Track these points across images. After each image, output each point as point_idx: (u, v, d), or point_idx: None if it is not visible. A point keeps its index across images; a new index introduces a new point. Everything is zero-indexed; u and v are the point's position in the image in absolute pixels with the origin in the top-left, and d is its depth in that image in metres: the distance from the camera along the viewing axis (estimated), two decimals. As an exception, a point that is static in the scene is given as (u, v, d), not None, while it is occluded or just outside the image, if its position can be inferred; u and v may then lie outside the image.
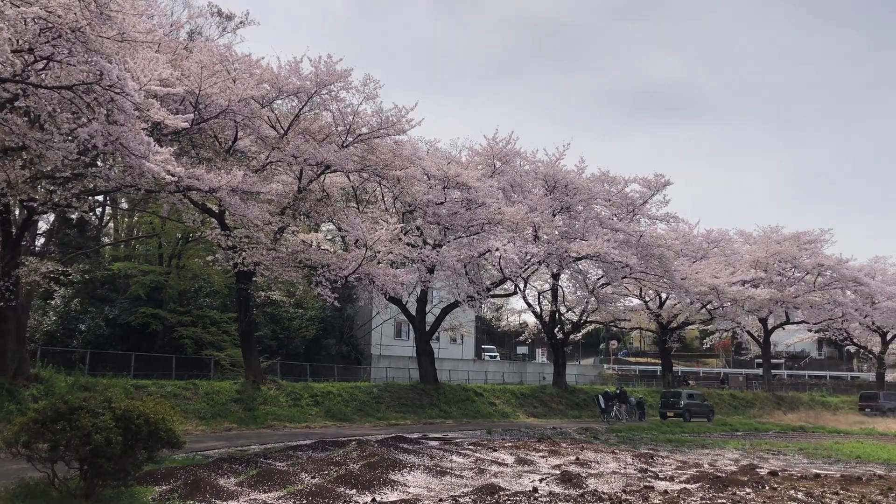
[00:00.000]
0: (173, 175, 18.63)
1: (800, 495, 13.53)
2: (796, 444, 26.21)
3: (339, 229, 28.20)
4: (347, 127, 26.77)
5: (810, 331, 55.86)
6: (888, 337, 51.37)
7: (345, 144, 26.68)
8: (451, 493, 12.97)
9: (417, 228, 31.37)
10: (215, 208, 25.96)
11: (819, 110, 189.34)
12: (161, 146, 19.00)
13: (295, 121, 26.24)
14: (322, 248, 27.05)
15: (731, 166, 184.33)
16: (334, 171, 27.25)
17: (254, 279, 28.15)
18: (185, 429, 21.24)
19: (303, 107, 26.16)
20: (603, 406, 36.84)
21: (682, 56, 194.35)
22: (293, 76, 25.37)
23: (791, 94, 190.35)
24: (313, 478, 13.80)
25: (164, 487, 12.10)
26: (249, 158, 27.03)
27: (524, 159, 37.64)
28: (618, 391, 39.74)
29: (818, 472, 18.12)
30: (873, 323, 49.42)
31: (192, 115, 21.62)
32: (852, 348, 59.11)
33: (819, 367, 72.40)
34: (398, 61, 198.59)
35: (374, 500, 12.18)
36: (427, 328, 35.52)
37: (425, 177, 30.11)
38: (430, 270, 30.70)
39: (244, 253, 24.93)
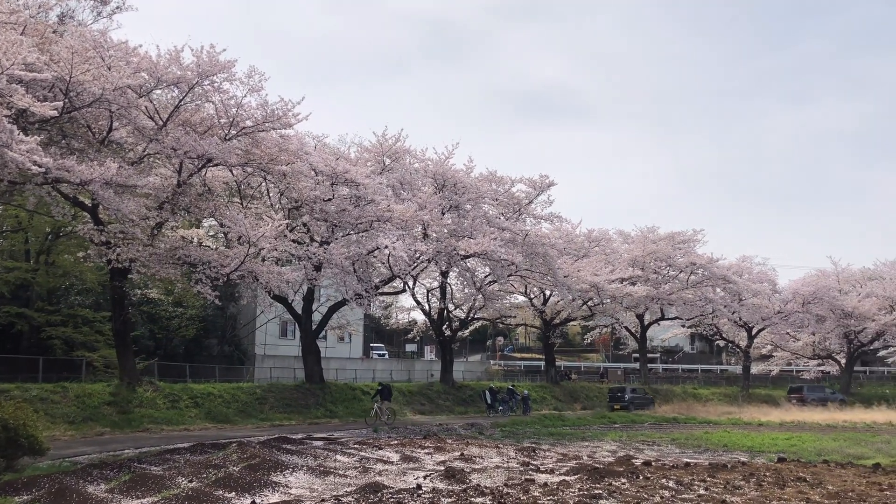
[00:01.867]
0: (40, 166, 17.58)
1: (671, 483, 14.16)
2: (669, 435, 27.45)
3: (222, 225, 27.35)
4: (231, 119, 25.97)
5: (683, 326, 58.72)
6: (753, 332, 54.59)
7: (228, 137, 25.88)
8: (335, 493, 12.82)
9: (304, 225, 30.85)
10: (88, 202, 24.64)
11: (693, 115, 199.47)
12: (27, 135, 17.86)
13: (175, 112, 25.23)
14: (204, 244, 26.17)
15: (612, 167, 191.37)
16: (217, 164, 26.37)
17: (129, 276, 26.93)
18: (52, 434, 20.11)
19: (183, 97, 25.18)
20: (489, 402, 37.45)
21: (566, 59, 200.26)
22: (173, 65, 24.41)
23: (667, 98, 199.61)
24: (190, 482, 13.32)
25: (26, 497, 11.38)
26: (126, 150, 25.80)
27: (414, 157, 37.72)
28: (509, 387, 40.99)
29: (688, 460, 19.05)
30: (740, 319, 52.38)
31: (62, 102, 20.43)
32: (722, 343, 62.49)
33: (691, 360, 76.15)
34: (285, 54, 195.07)
35: (253, 502, 11.88)
36: (314, 327, 35.03)
37: (313, 172, 29.63)
38: (317, 268, 30.27)
39: (119, 249, 23.80)
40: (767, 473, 15.95)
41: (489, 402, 37.40)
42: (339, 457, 17.73)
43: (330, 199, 29.96)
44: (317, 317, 35.29)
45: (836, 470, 17.28)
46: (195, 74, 24.49)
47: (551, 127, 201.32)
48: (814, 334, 56.07)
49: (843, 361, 57.53)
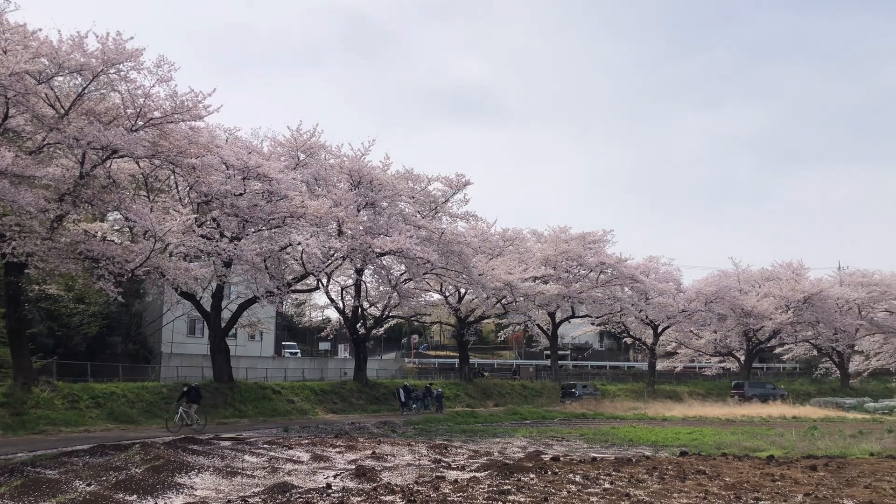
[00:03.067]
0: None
1: (577, 478, 14.48)
2: (578, 431, 28.08)
3: (127, 219, 26.33)
4: (138, 110, 25.07)
5: (593, 324, 60.17)
6: (659, 330, 56.42)
7: (134, 128, 24.95)
8: (241, 494, 12.55)
9: (214, 220, 30.04)
10: (-20, 192, 23.31)
11: (606, 117, 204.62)
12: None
13: (78, 100, 24.16)
14: (108, 238, 25.16)
15: (528, 168, 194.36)
16: (122, 156, 25.41)
17: (26, 271, 25.62)
18: (-63, 438, 18.96)
19: (87, 86, 24.16)
20: (403, 400, 37.46)
21: (484, 58, 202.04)
22: (76, 52, 23.37)
23: (582, 100, 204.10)
24: (89, 485, 12.79)
25: None
26: (23, 139, 24.58)
27: (329, 153, 37.35)
28: (427, 385, 41.45)
29: (595, 455, 19.52)
30: (647, 317, 54.08)
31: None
32: (629, 340, 64.36)
33: (600, 357, 78.16)
34: (197, 45, 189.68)
35: (155, 505, 11.50)
36: (223, 325, 34.20)
37: (224, 166, 28.91)
38: (227, 264, 29.56)
39: (14, 242, 22.64)
40: (670, 467, 16.51)
41: (403, 400, 37.38)
42: (247, 457, 17.39)
43: (241, 194, 29.28)
44: (226, 314, 34.46)
45: (733, 462, 18.04)
46: (100, 62, 23.55)
47: (468, 126, 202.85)
48: (715, 332, 58.38)
49: (742, 358, 60.11)
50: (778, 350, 66.27)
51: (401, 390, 38.03)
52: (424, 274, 38.98)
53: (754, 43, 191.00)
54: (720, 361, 64.48)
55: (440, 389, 40.83)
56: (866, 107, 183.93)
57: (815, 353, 64.29)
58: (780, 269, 60.93)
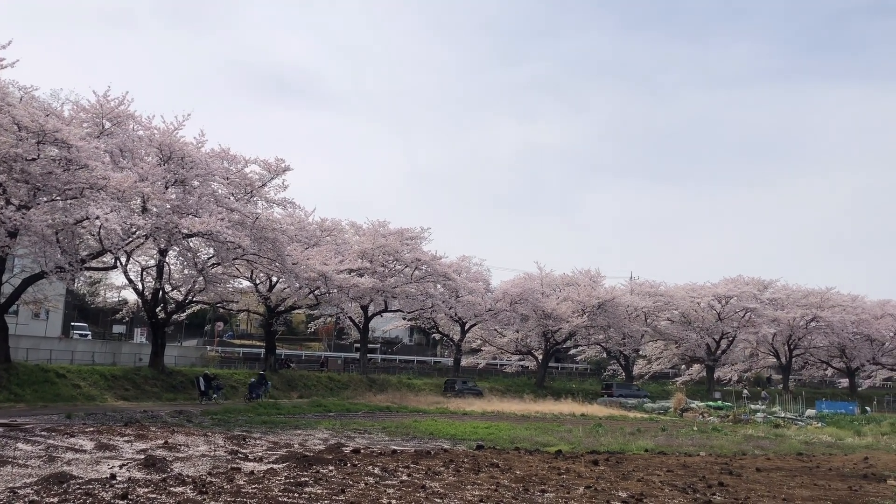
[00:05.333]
0: None
1: (376, 470, 14.58)
2: (381, 424, 28.30)
3: None
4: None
5: (404, 319, 61.02)
6: (466, 327, 58.24)
7: None
8: (11, 486, 11.47)
9: (0, 185, 27.27)
10: None
11: (431, 117, 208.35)
12: None
13: None
14: None
15: (350, 159, 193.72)
16: None
17: None
18: None
19: None
20: (202, 388, 36.03)
21: (312, 42, 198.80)
22: None
23: (409, 97, 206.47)
24: None
25: None
26: None
27: (138, 123, 35.08)
28: (260, 373, 41.10)
29: (396, 448, 19.76)
30: (456, 314, 55.63)
31: None
32: (438, 336, 65.95)
33: (409, 352, 79.44)
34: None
35: None
36: (2, 300, 31.11)
37: (15, 127, 26.32)
38: (12, 234, 26.94)
39: None
40: (466, 460, 17.05)
41: (203, 389, 35.93)
42: (21, 444, 15.96)
43: (34, 159, 26.78)
44: (7, 289, 31.39)
45: (525, 456, 18.97)
46: None
47: (291, 110, 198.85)
48: (518, 332, 61.17)
49: (540, 357, 63.42)
50: (573, 351, 70.71)
51: (200, 379, 36.52)
52: (234, 259, 37.64)
53: (571, 59, 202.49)
54: (520, 360, 67.75)
55: (254, 379, 39.88)
56: (667, 129, 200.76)
57: (604, 355, 69.25)
58: (579, 275, 64.86)
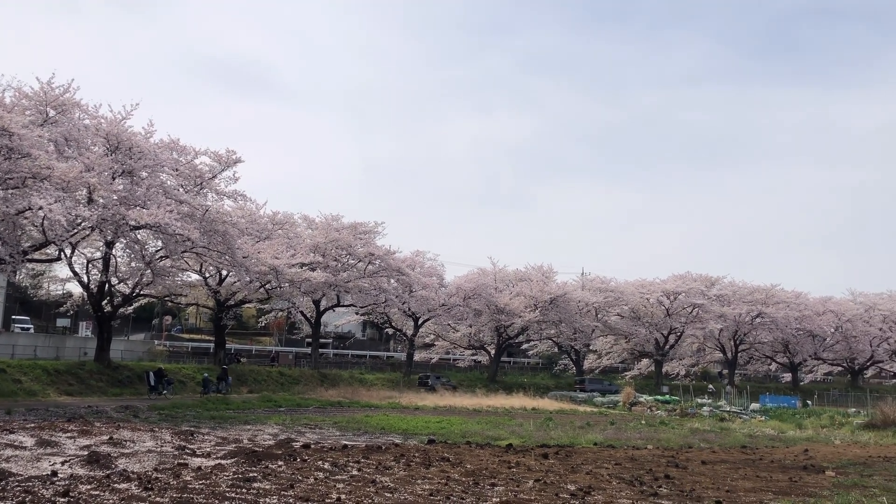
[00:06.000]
0: None
1: (326, 465, 14.48)
2: (332, 419, 28.14)
3: None
4: None
5: (357, 313, 60.73)
6: (420, 321, 58.28)
7: None
8: (-56, 484, 11.07)
9: (-64, 173, 26.39)
10: None
11: (386, 111, 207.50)
12: None
13: None
14: None
15: (303, 151, 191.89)
16: None
17: None
18: None
19: None
20: (152, 383, 35.47)
21: (266, 31, 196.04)
22: None
23: (364, 90, 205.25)
24: None
25: None
26: None
27: (85, 112, 34.27)
28: (223, 367, 41.02)
29: (347, 443, 19.66)
30: (409, 309, 55.56)
31: None
32: (391, 331, 65.84)
33: (362, 346, 79.12)
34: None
35: None
36: (-60, 292, 30.12)
37: (-47, 113, 25.45)
38: (-50, 224, 26.06)
39: None
40: (416, 454, 17.05)
41: (153, 384, 35.36)
42: (-44, 442, 15.42)
43: (-27, 147, 25.95)
44: (-55, 281, 30.40)
45: (476, 450, 19.05)
46: None
47: (244, 101, 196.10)
48: (471, 326, 61.43)
49: (492, 352, 63.80)
50: (525, 346, 71.25)
51: (151, 374, 35.95)
52: (183, 252, 36.99)
53: (526, 55, 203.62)
54: (473, 354, 68.06)
55: (206, 374, 39.36)
56: (619, 127, 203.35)
57: (556, 350, 69.96)
58: (531, 271, 65.39)
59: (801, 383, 73.86)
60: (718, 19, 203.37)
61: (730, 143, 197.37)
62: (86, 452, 14.85)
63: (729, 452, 22.11)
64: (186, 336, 68.70)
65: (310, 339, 58.29)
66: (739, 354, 72.23)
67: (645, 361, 71.04)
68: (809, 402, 54.42)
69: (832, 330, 71.84)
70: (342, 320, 69.84)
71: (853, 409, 44.16)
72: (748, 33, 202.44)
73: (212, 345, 52.13)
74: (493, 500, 11.65)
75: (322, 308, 54.00)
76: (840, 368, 79.91)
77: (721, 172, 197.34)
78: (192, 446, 17.11)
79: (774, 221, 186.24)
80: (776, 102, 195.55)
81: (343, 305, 55.76)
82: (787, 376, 76.43)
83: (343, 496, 11.21)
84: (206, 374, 39.61)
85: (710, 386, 61.75)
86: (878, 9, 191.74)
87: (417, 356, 63.31)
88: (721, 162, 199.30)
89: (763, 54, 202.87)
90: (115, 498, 10.45)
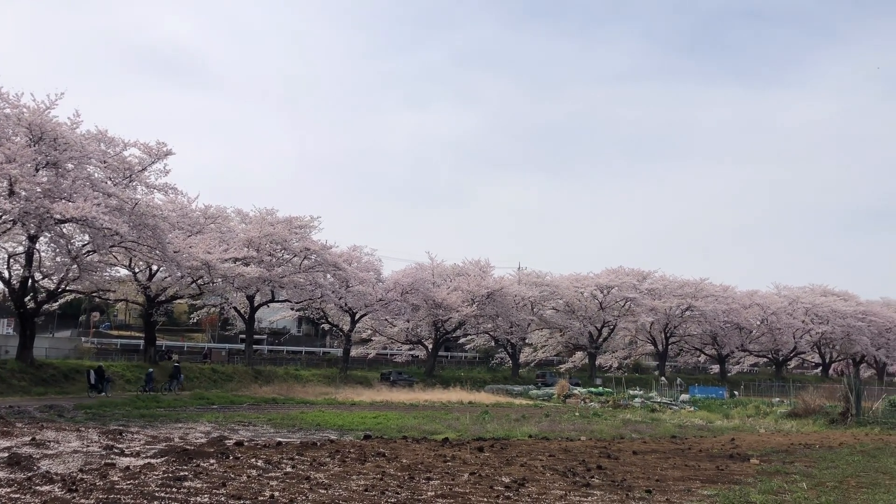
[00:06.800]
0: None
1: (260, 462, 14.28)
2: (266, 416, 27.75)
3: None
4: None
5: (293, 309, 59.93)
6: (357, 317, 57.87)
7: None
8: None
9: None
10: None
11: (322, 103, 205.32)
12: None
13: None
14: None
15: (236, 143, 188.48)
16: None
17: None
18: None
19: None
20: (93, 382, 34.62)
21: (195, 17, 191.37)
22: None
23: (298, 82, 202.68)
24: None
25: None
26: None
27: (5, 101, 32.91)
28: (175, 364, 40.63)
29: (281, 440, 19.42)
30: (346, 304, 55.08)
31: None
32: (327, 326, 65.23)
33: (297, 343, 78.18)
34: None
35: None
36: None
37: None
38: None
39: None
40: (352, 450, 16.95)
41: (93, 382, 34.54)
42: None
43: None
44: None
45: (412, 445, 19.04)
46: None
47: (174, 91, 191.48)
48: (408, 321, 61.32)
49: (430, 347, 63.89)
50: (462, 340, 71.61)
51: (91, 372, 35.20)
52: (112, 247, 35.93)
53: (465, 50, 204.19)
54: (410, 349, 67.98)
55: (151, 370, 38.46)
56: (554, 123, 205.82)
57: (493, 344, 70.50)
58: (469, 265, 65.70)
59: (729, 374, 76.25)
60: (650, 18, 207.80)
61: (662, 139, 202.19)
62: (6, 454, 14.30)
63: (659, 443, 22.64)
64: (115, 333, 66.80)
65: (243, 336, 57.31)
66: (670, 347, 74.10)
67: (579, 354, 72.24)
68: (736, 392, 56.20)
69: (758, 322, 74.35)
70: (277, 316, 68.90)
71: (777, 399, 45.77)
72: (679, 32, 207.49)
73: (142, 342, 50.75)
74: (429, 493, 11.66)
75: (256, 304, 53.16)
76: (765, 360, 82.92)
77: (654, 168, 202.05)
78: (120, 445, 16.65)
79: (703, 216, 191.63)
80: (706, 100, 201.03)
81: (278, 301, 55.01)
82: (716, 368, 78.78)
83: (276, 493, 11.07)
84: (151, 370, 38.65)
85: (664, 378, 62.47)
86: (803, 11, 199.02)
87: (354, 352, 62.92)
88: (655, 157, 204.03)
89: (694, 53, 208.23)
90: (36, 500, 10.11)
